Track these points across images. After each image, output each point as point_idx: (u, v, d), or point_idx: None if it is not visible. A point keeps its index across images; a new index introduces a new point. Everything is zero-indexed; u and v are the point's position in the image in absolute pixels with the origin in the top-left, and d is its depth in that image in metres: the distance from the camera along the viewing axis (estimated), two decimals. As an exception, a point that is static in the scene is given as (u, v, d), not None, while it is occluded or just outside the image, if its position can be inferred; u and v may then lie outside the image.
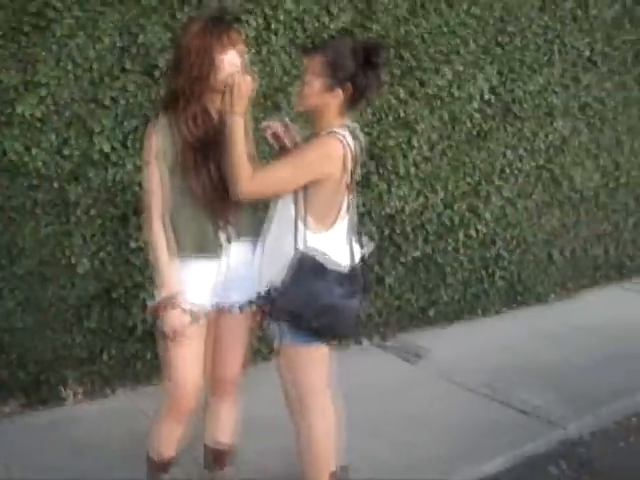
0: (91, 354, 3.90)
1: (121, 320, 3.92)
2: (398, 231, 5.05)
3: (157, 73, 3.80)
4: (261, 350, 4.21)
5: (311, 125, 2.57)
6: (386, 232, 5.00)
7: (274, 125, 2.66)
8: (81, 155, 3.65)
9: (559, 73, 6.10)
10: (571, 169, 6.33)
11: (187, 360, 2.50)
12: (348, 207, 2.52)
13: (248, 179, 2.34)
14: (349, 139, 2.42)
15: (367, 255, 2.63)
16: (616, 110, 6.64)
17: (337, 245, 2.48)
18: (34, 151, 3.53)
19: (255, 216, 2.61)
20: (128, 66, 3.74)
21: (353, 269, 2.50)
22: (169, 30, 3.82)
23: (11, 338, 3.68)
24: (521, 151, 5.84)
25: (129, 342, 3.98)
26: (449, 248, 5.44)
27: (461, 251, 5.52)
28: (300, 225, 2.41)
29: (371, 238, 4.71)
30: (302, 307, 2.40)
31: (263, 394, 3.16)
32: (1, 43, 3.38)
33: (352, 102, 2.46)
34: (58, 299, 3.74)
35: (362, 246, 2.61)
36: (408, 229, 5.10)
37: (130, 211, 3.79)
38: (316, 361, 2.59)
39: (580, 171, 6.41)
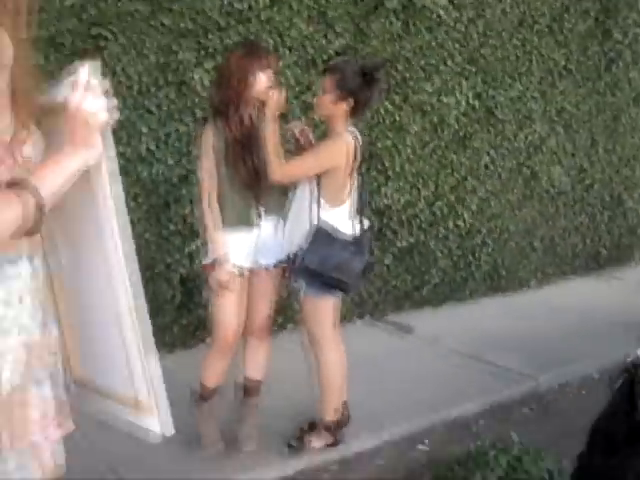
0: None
1: (162, 292, 4.66)
2: (394, 219, 5.81)
3: (192, 83, 4.55)
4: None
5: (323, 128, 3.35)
6: (384, 221, 5.75)
7: (295, 128, 3.43)
8: (132, 153, 4.40)
9: (537, 81, 6.84)
10: (549, 166, 7.08)
11: (229, 307, 3.27)
12: (351, 191, 3.29)
13: (280, 167, 3.11)
14: (352, 139, 3.20)
15: (367, 227, 3.40)
16: (590, 113, 7.36)
17: (343, 219, 3.26)
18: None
19: (280, 199, 3.38)
20: (169, 78, 4.50)
21: (356, 237, 3.27)
22: (201, 49, 4.57)
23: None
24: (503, 150, 6.58)
25: (168, 311, 4.72)
26: (439, 236, 6.18)
27: (450, 238, 6.27)
28: (314, 205, 3.18)
29: (370, 221, 5.49)
30: (317, 266, 3.17)
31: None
32: (70, 60, 4.14)
33: (355, 111, 3.24)
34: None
35: (361, 221, 3.37)
36: (403, 218, 5.86)
37: (171, 199, 4.53)
38: (327, 309, 3.36)
39: (558, 168, 7.15)
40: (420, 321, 5.74)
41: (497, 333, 5.48)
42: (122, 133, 4.36)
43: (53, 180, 1.28)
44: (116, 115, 1.35)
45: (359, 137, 3.29)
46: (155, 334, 4.12)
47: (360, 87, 3.17)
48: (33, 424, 1.40)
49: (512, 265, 6.88)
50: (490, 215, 6.58)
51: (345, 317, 5.49)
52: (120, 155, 4.31)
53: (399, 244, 5.88)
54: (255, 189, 3.20)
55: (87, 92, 1.30)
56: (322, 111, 3.32)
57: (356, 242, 3.27)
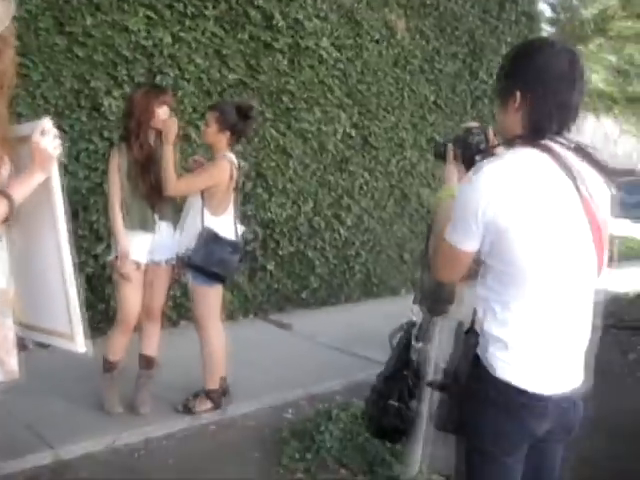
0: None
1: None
2: (277, 231, 6.67)
3: (102, 109, 5.29)
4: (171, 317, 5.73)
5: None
6: (268, 232, 6.60)
7: (196, 159, 4.28)
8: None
9: (409, 114, 7.88)
10: (419, 188, 8.11)
11: (130, 294, 4.04)
12: (231, 203, 4.14)
13: (174, 184, 3.92)
14: (229, 163, 4.05)
15: (243, 234, 4.25)
16: (456, 144, 8.42)
17: (224, 226, 4.09)
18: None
19: (173, 208, 4.19)
20: (82, 103, 5.22)
21: (233, 241, 4.11)
22: (111, 79, 5.32)
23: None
24: (377, 173, 7.57)
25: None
26: (317, 246, 7.08)
27: (327, 249, 7.18)
28: (201, 213, 4.00)
29: (254, 234, 6.35)
30: (201, 262, 3.99)
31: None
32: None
33: (232, 141, 4.11)
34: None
35: (237, 230, 4.20)
36: (285, 230, 6.72)
37: (80, 208, 5.23)
38: (211, 297, 4.17)
39: (427, 190, 8.18)
40: (300, 320, 6.59)
41: (365, 331, 6.32)
42: (39, 149, 5.04)
43: (22, 190, 2.08)
44: (60, 150, 2.15)
45: (235, 161, 4.14)
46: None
47: (235, 122, 4.03)
48: None
49: (384, 274, 7.84)
50: (364, 230, 7.53)
51: (232, 315, 6.36)
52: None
53: (281, 252, 6.74)
54: (152, 200, 3.99)
55: (45, 134, 2.09)
56: (207, 140, 4.19)
57: (233, 244, 4.10)
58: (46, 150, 2.10)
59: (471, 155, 2.31)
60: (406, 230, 8.05)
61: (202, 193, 4.03)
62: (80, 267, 5.27)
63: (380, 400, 2.88)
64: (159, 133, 3.95)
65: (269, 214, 6.57)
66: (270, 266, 6.68)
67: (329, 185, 7.10)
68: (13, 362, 2.22)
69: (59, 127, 4.93)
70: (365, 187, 7.49)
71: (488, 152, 2.23)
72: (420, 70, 7.98)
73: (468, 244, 1.95)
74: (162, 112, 3.96)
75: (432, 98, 8.17)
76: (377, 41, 7.33)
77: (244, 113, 4.08)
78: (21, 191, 2.09)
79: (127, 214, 3.98)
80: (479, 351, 1.99)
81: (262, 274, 6.65)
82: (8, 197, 2.05)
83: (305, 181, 6.86)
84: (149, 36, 5.50)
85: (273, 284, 6.77)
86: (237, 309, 6.48)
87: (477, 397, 1.98)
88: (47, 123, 2.15)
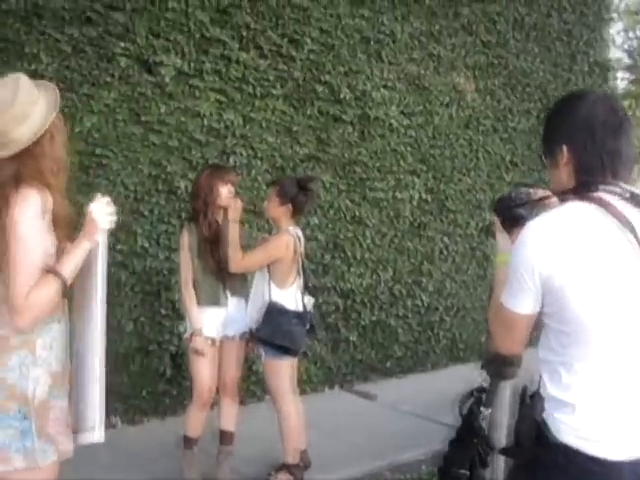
0: (133, 391, 5.43)
1: (155, 366, 5.48)
2: (358, 301, 6.67)
3: (178, 192, 5.49)
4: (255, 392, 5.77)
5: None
6: (348, 302, 6.62)
7: (264, 237, 4.44)
8: (128, 249, 5.31)
9: (485, 174, 7.83)
10: (500, 250, 7.95)
11: (203, 370, 4.11)
12: (296, 276, 4.19)
13: (239, 261, 4.02)
14: (292, 236, 4.12)
15: (311, 306, 4.29)
16: (537, 202, 8.29)
17: (290, 298, 4.15)
18: (97, 248, 5.18)
19: (242, 283, 4.28)
20: (159, 187, 5.45)
21: (300, 312, 4.15)
22: (186, 162, 5.53)
23: (78, 379, 5.22)
24: (456, 237, 7.51)
25: (160, 383, 5.52)
26: (399, 314, 7.04)
27: (409, 316, 7.13)
28: (267, 287, 4.08)
29: (335, 305, 6.39)
30: (268, 336, 4.04)
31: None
32: (78, 175, 5.07)
33: (294, 214, 4.19)
34: (111, 350, 5.29)
35: (303, 301, 4.23)
36: (365, 299, 6.72)
37: (162, 288, 5.40)
38: (282, 370, 4.20)
39: (509, 251, 8.02)
40: (384, 390, 6.52)
41: (451, 398, 6.21)
42: (121, 233, 5.25)
43: (72, 263, 2.21)
44: (113, 220, 2.26)
45: (299, 234, 4.22)
46: (148, 403, 5.00)
47: (295, 195, 4.12)
48: (52, 421, 2.24)
49: (470, 339, 7.69)
50: (447, 295, 7.44)
51: (316, 388, 6.36)
52: (119, 251, 5.22)
53: (363, 322, 6.72)
54: (222, 276, 4.10)
55: (98, 207, 2.21)
56: (269, 214, 4.31)
57: (299, 316, 4.14)
58: (97, 220, 2.22)
59: (515, 213, 2.26)
60: (490, 292, 7.87)
61: (268, 267, 4.10)
62: (164, 345, 5.42)
63: (451, 468, 2.81)
64: (225, 211, 4.08)
65: (348, 284, 6.59)
66: (352, 337, 6.67)
67: (407, 252, 7.08)
68: (67, 442, 2.28)
69: (137, 210, 5.22)
70: (445, 251, 7.44)
71: (532, 204, 2.19)
72: (493, 130, 7.96)
73: (525, 305, 1.90)
74: (226, 191, 4.09)
75: (508, 157, 8.12)
76: (447, 105, 7.37)
77: (304, 186, 4.17)
78: (71, 264, 2.19)
79: (199, 291, 4.10)
80: (545, 416, 1.91)
81: (345, 345, 6.65)
82: (59, 275, 2.15)
83: (383, 249, 6.88)
84: (220, 119, 5.71)
85: (356, 354, 6.74)
86: (321, 381, 6.47)
87: (545, 465, 1.89)
88: (104, 197, 2.28)
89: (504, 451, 2.27)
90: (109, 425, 5.27)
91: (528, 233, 1.89)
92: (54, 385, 2.26)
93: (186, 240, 4.12)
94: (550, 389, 1.91)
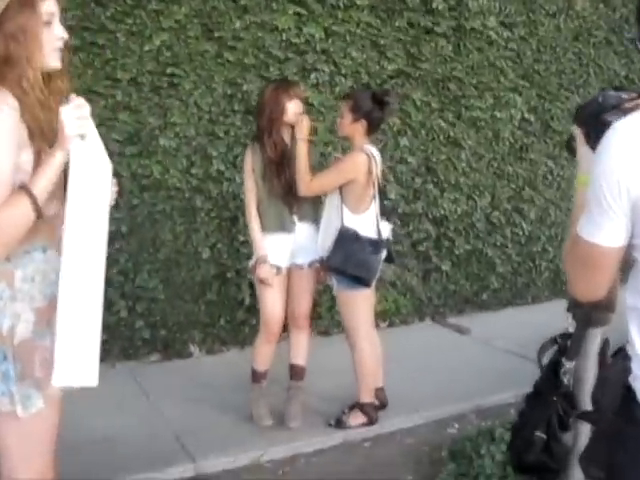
0: (211, 320, 5.28)
1: (233, 294, 5.29)
2: (451, 228, 6.24)
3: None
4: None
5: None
6: (441, 230, 6.20)
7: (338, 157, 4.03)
8: (204, 173, 5.07)
9: (596, 92, 7.09)
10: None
11: (271, 300, 3.85)
12: (374, 198, 3.79)
13: (307, 183, 3.68)
14: (367, 155, 3.71)
15: (389, 234, 3.90)
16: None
17: (365, 224, 3.76)
18: (171, 171, 4.98)
19: (313, 207, 3.95)
20: (235, 107, 5.14)
21: (374, 239, 3.77)
22: (264, 80, 5.19)
23: (155, 306, 5.08)
24: (562, 161, 6.89)
25: (239, 312, 5.34)
26: (497, 243, 6.56)
27: (509, 246, 6.63)
28: (339, 212, 3.71)
29: (426, 233, 5.99)
30: (340, 264, 3.70)
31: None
32: (149, 96, 4.85)
33: (370, 131, 3.77)
34: (188, 278, 5.15)
35: (379, 228, 3.83)
36: (460, 227, 6.28)
37: (240, 213, 5.16)
38: (359, 301, 3.86)
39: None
40: (478, 324, 6.11)
41: (550, 334, 5.77)
42: (196, 157, 5.03)
43: (44, 178, 1.83)
44: (84, 125, 1.87)
45: (375, 153, 3.80)
46: (228, 333, 4.77)
47: (370, 110, 3.70)
48: (38, 364, 1.95)
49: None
50: (550, 223, 6.89)
51: (406, 320, 6.03)
52: (193, 176, 5.00)
53: (457, 251, 6.30)
54: (289, 200, 3.77)
55: (67, 111, 1.83)
56: (342, 132, 3.89)
57: (374, 243, 3.76)
58: (64, 125, 1.83)
59: (603, 121, 1.76)
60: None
61: (340, 190, 3.74)
62: (243, 273, 5.20)
63: (525, 430, 2.40)
64: (292, 129, 3.73)
65: (441, 211, 6.16)
66: (445, 266, 6.27)
67: (507, 176, 6.55)
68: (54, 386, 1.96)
69: (212, 132, 4.95)
70: (549, 176, 6.85)
71: (625, 111, 1.70)
72: (606, 42, 7.18)
73: (608, 235, 1.46)
74: (293, 106, 3.73)
75: (623, 73, 7.33)
76: (553, 14, 6.66)
77: (380, 99, 3.73)
78: (42, 179, 1.84)
79: (264, 216, 3.80)
80: (631, 380, 1.52)
81: (437, 275, 6.26)
82: (28, 192, 1.81)
83: (480, 173, 6.37)
84: (300, 33, 5.31)
85: (449, 285, 6.34)
86: (411, 313, 6.13)
87: (628, 442, 1.51)
88: (79, 99, 1.88)
89: (583, 415, 1.86)
90: (186, 354, 5.18)
91: (613, 137, 1.44)
92: (39, 322, 1.96)
93: (249, 161, 3.80)
94: (639, 347, 1.50)
